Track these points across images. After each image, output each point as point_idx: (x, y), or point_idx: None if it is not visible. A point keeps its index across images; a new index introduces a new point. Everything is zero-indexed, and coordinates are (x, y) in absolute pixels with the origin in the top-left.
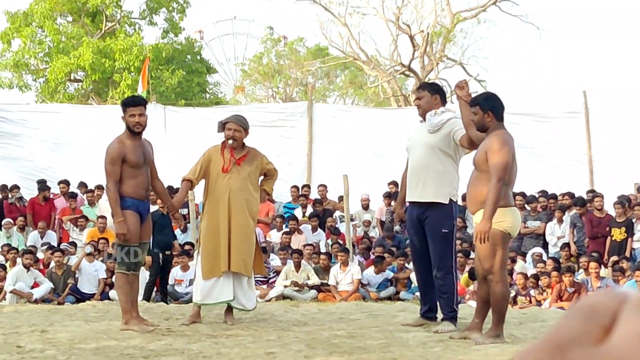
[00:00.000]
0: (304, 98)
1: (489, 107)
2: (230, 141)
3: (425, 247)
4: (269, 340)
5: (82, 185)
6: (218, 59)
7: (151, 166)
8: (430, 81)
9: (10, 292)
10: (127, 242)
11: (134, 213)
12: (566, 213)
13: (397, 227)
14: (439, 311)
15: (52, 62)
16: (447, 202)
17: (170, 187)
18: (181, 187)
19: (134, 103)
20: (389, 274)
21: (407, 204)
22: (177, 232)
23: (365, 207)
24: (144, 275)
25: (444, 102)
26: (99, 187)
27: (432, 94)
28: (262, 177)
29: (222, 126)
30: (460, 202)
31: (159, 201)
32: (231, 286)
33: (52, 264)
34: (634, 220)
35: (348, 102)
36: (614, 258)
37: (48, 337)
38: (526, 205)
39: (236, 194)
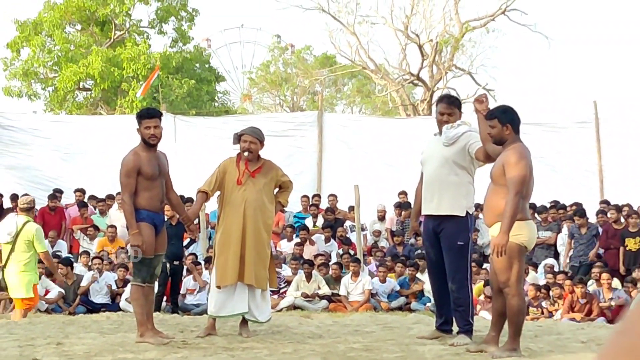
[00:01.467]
0: (311, 106)
1: (507, 120)
2: (245, 153)
3: (441, 260)
4: (285, 353)
5: (93, 198)
6: (225, 67)
7: (166, 178)
8: (449, 94)
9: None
10: (142, 254)
11: (149, 225)
12: (564, 223)
13: (412, 240)
14: (454, 324)
15: (61, 70)
16: (463, 214)
17: (181, 197)
18: (196, 198)
19: (149, 115)
20: (395, 284)
21: (422, 216)
22: (187, 242)
23: (382, 218)
24: None
25: (460, 114)
26: (110, 197)
27: (459, 110)
28: (277, 189)
29: (238, 138)
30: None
31: (167, 211)
32: (246, 298)
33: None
34: None
35: (355, 110)
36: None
37: (64, 350)
38: (537, 216)
39: (251, 205)
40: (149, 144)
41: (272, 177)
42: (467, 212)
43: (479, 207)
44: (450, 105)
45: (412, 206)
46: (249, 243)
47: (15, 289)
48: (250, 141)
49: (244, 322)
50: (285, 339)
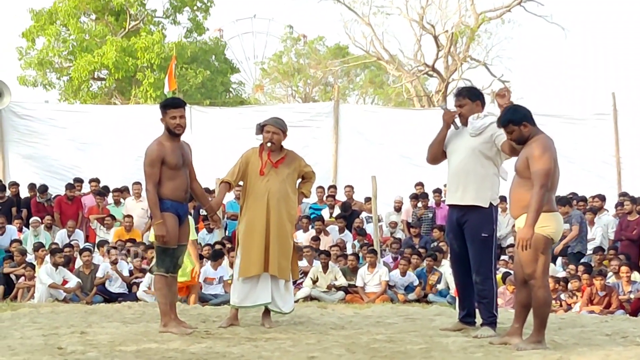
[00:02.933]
0: (323, 97)
1: (521, 119)
2: (268, 144)
3: (465, 252)
4: (309, 344)
5: (106, 188)
6: (237, 58)
7: (190, 168)
8: (461, 86)
9: (50, 286)
10: (166, 244)
11: (173, 215)
12: (597, 215)
13: (436, 232)
14: (478, 316)
15: (76, 60)
16: (487, 205)
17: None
18: (219, 189)
19: (174, 105)
20: (413, 277)
21: (447, 207)
22: (203, 232)
23: (398, 209)
24: None
25: (484, 105)
26: (125, 190)
27: (473, 100)
28: (299, 180)
29: (261, 128)
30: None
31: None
32: (269, 289)
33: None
34: None
35: (368, 101)
36: None
37: (88, 339)
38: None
39: (275, 196)
40: (175, 133)
41: (295, 168)
42: (492, 204)
43: (502, 199)
44: (458, 97)
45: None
46: (273, 234)
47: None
48: (273, 132)
49: (267, 312)
50: (308, 329)
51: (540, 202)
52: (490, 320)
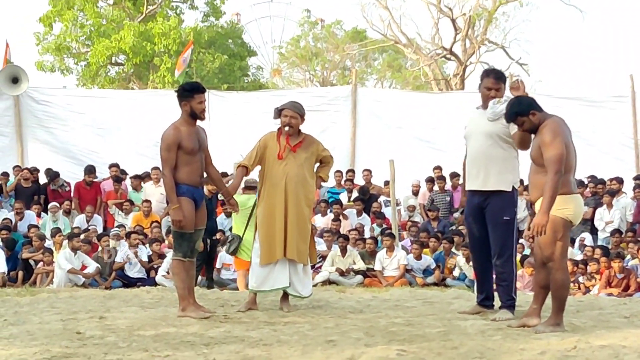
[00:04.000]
0: (341, 81)
1: (528, 109)
2: (286, 128)
3: (485, 236)
4: (327, 327)
5: (124, 173)
6: (255, 42)
7: (205, 153)
8: (496, 68)
9: (68, 271)
10: (183, 228)
11: (190, 200)
12: (615, 198)
13: (457, 214)
14: (496, 299)
15: (94, 45)
16: (509, 189)
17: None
18: (236, 173)
19: (200, 90)
20: (431, 261)
21: (468, 191)
22: (221, 217)
23: (416, 193)
24: None
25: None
26: (147, 175)
27: (504, 83)
28: (317, 164)
29: (279, 112)
30: None
31: (209, 187)
32: (287, 273)
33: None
34: None
35: (386, 85)
36: None
37: (107, 324)
38: None
39: (292, 180)
40: (200, 118)
41: (313, 152)
42: (513, 187)
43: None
44: (498, 81)
45: (461, 181)
46: (291, 218)
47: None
48: (291, 116)
49: (285, 296)
50: (327, 313)
51: (554, 188)
52: (509, 303)
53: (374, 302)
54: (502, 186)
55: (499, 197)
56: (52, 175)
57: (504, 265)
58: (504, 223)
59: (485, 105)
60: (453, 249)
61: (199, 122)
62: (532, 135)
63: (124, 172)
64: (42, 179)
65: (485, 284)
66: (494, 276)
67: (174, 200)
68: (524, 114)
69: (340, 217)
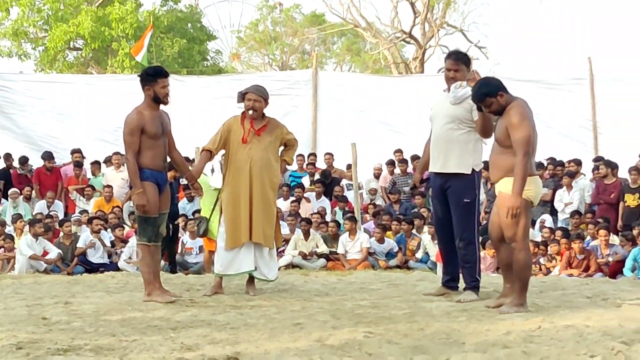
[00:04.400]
0: (300, 65)
1: (496, 90)
2: (250, 111)
3: (449, 217)
4: (294, 311)
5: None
6: (213, 27)
7: (169, 137)
8: (457, 50)
9: (30, 257)
10: (147, 213)
11: (153, 184)
12: (574, 179)
13: (406, 189)
14: (461, 281)
15: (51, 30)
16: (469, 172)
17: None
18: (200, 157)
19: (163, 74)
20: (394, 244)
21: (430, 173)
22: (184, 202)
23: (377, 176)
24: None
25: (469, 71)
26: (109, 160)
27: (467, 68)
28: (282, 148)
29: (242, 96)
30: None
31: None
32: (252, 256)
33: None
34: None
35: (345, 69)
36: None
37: (73, 309)
38: None
39: (257, 164)
40: (163, 102)
41: (277, 135)
42: (474, 170)
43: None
44: (457, 62)
45: (420, 159)
46: (256, 201)
47: None
48: (255, 99)
49: (251, 280)
50: (292, 297)
51: (524, 169)
52: (473, 285)
53: (339, 285)
54: (462, 169)
55: (460, 179)
56: (21, 160)
57: (467, 247)
58: (465, 205)
59: (449, 88)
60: (414, 231)
61: (162, 107)
62: (495, 123)
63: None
64: (1, 164)
65: (450, 265)
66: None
67: (137, 184)
68: (493, 94)
69: (303, 201)
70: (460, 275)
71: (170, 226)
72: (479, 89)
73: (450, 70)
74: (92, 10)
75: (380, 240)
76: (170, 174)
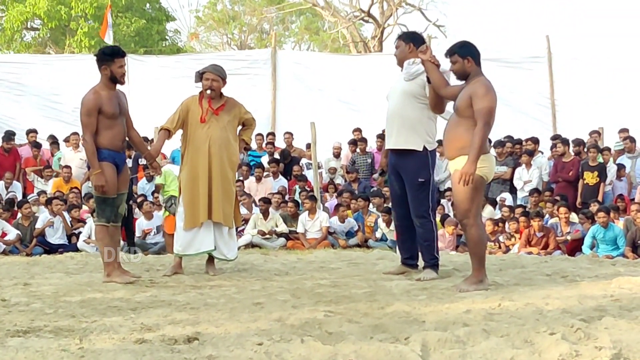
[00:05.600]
0: (259, 45)
1: (467, 53)
2: (208, 91)
3: (404, 194)
4: (254, 290)
5: (51, 137)
6: (172, 6)
7: (126, 117)
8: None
9: None
10: (105, 193)
11: (111, 164)
12: (533, 157)
13: (375, 175)
14: (420, 258)
15: (8, 10)
16: (420, 149)
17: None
18: (158, 136)
19: (120, 54)
20: (354, 223)
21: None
22: (143, 181)
23: (337, 155)
24: None
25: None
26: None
27: (406, 42)
28: (240, 127)
29: (200, 76)
30: None
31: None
32: (212, 236)
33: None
34: (607, 165)
35: (303, 48)
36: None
37: (32, 290)
38: (493, 150)
39: (216, 143)
40: (120, 82)
41: (236, 115)
42: (426, 148)
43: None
44: (397, 40)
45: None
46: (215, 181)
47: None
48: (213, 79)
49: (210, 260)
50: (252, 276)
51: (484, 138)
52: (432, 262)
53: (299, 264)
54: (413, 145)
55: (412, 157)
56: None
57: (423, 225)
58: (419, 184)
59: (400, 65)
60: (371, 208)
61: (118, 86)
62: (445, 100)
63: (52, 137)
64: None
65: (407, 241)
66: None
67: (95, 165)
68: (462, 55)
69: (262, 180)
70: (419, 253)
71: (126, 206)
72: (454, 45)
73: (396, 49)
74: None
75: (342, 220)
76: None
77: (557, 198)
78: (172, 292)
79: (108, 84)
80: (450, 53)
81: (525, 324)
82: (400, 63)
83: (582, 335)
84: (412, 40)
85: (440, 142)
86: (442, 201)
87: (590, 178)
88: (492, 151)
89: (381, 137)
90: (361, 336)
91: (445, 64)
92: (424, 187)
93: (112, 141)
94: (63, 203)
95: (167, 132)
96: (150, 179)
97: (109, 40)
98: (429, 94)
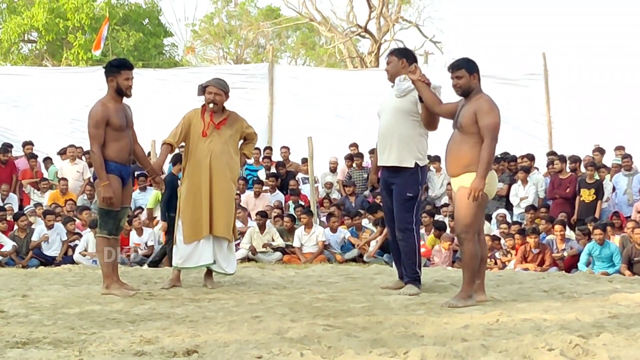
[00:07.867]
0: (255, 59)
1: (474, 70)
2: (210, 105)
3: None
4: (252, 303)
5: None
6: (169, 20)
7: (132, 130)
8: (401, 47)
9: None
10: (112, 206)
11: (117, 177)
12: (530, 174)
13: (366, 192)
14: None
15: (5, 22)
16: (412, 166)
17: None
18: (161, 150)
19: (127, 66)
20: (346, 232)
21: (380, 167)
22: (136, 193)
23: (333, 170)
24: None
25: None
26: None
27: (398, 58)
28: (241, 141)
29: (203, 90)
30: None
31: None
32: (211, 250)
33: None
34: (603, 183)
35: (300, 63)
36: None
37: (30, 302)
38: None
39: (217, 157)
40: (126, 95)
41: (237, 129)
42: (417, 164)
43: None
44: (389, 55)
45: (373, 159)
46: (217, 195)
47: None
48: (215, 93)
49: (209, 273)
50: (250, 290)
51: (492, 154)
52: (414, 277)
53: (296, 278)
54: (405, 162)
55: (404, 173)
56: None
57: (405, 240)
58: (406, 199)
59: (391, 81)
60: (365, 223)
61: (124, 100)
62: (438, 117)
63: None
64: None
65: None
66: None
67: (103, 177)
68: (470, 70)
69: (260, 194)
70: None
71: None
72: (462, 59)
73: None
74: (45, 2)
75: (334, 230)
76: None
77: (552, 217)
78: (171, 305)
79: (114, 96)
80: (456, 68)
81: (523, 340)
82: (392, 78)
83: (580, 352)
84: (405, 56)
85: (436, 158)
86: (439, 217)
87: (586, 195)
88: None
89: (372, 152)
90: (360, 350)
91: (435, 80)
92: (411, 201)
93: (119, 154)
94: (60, 216)
95: (169, 147)
96: (143, 189)
97: (99, 53)
98: (421, 111)
